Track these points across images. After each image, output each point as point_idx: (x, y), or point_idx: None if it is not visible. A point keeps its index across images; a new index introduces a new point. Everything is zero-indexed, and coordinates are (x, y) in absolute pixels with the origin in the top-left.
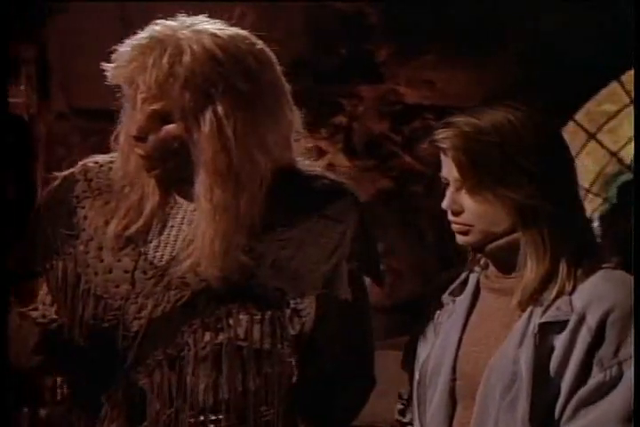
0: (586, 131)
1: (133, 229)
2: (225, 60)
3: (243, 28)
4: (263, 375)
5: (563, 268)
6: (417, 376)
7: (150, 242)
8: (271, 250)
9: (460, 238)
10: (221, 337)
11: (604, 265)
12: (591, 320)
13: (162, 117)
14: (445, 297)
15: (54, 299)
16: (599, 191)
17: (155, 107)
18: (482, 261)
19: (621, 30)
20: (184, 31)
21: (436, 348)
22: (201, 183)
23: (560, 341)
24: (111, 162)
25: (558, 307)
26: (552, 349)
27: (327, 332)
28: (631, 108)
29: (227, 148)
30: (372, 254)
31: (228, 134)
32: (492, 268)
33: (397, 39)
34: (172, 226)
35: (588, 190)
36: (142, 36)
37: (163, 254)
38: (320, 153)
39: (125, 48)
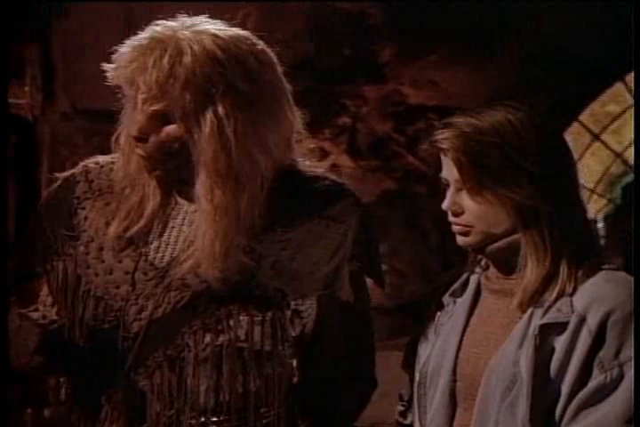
0: (590, 131)
1: (134, 230)
2: (225, 60)
3: (246, 29)
4: (264, 377)
5: (563, 269)
6: (417, 378)
7: (151, 243)
8: (272, 251)
9: (460, 239)
10: (222, 338)
11: (604, 266)
12: (592, 322)
13: (162, 118)
14: (446, 298)
15: (55, 300)
16: (604, 192)
17: (155, 107)
18: (482, 262)
19: (626, 31)
20: (184, 31)
21: (436, 349)
22: (201, 184)
23: (560, 342)
24: (112, 163)
25: (559, 308)
26: (552, 350)
27: (328, 333)
28: None
29: (227, 148)
30: (373, 255)
31: (228, 135)
32: (492, 269)
33: (401, 39)
34: (173, 227)
35: (592, 191)
36: (142, 36)
37: (163, 256)
38: (324, 154)
39: (126, 49)
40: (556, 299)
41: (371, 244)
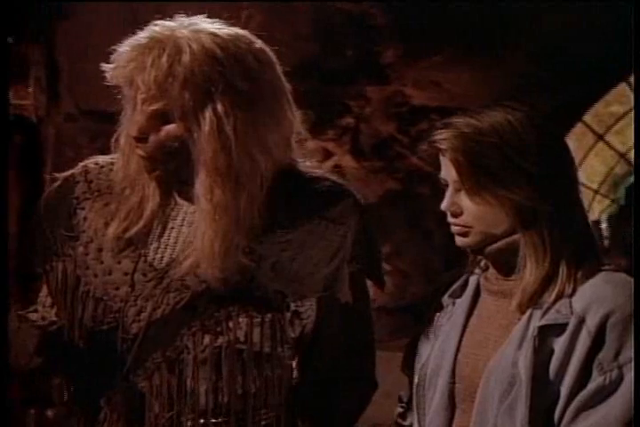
0: (594, 132)
1: (133, 231)
2: (224, 59)
3: (250, 30)
4: (263, 378)
5: (562, 270)
6: (416, 379)
7: (150, 244)
8: (272, 252)
9: (459, 240)
10: (221, 340)
11: (604, 267)
12: (591, 323)
13: (162, 117)
14: (446, 299)
15: (54, 301)
16: (607, 192)
17: (154, 107)
18: (482, 263)
19: (626, 31)
20: (183, 31)
21: (435, 350)
22: (201, 183)
23: (560, 344)
24: (112, 163)
25: (558, 309)
26: (551, 352)
27: (328, 334)
28: None
29: (227, 147)
30: (373, 257)
31: (228, 133)
32: (491, 270)
33: (404, 40)
34: (173, 228)
35: (596, 191)
36: (141, 36)
37: (163, 256)
38: (327, 154)
39: (124, 48)
40: (556, 300)
41: (370, 245)
